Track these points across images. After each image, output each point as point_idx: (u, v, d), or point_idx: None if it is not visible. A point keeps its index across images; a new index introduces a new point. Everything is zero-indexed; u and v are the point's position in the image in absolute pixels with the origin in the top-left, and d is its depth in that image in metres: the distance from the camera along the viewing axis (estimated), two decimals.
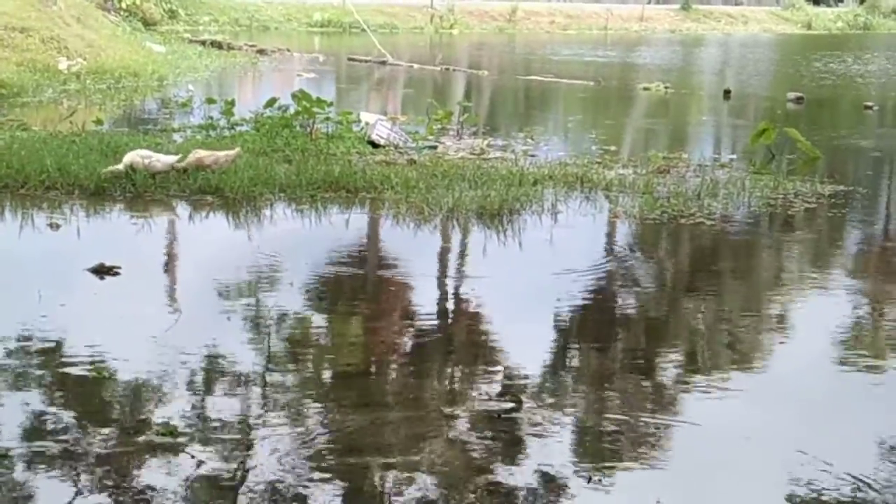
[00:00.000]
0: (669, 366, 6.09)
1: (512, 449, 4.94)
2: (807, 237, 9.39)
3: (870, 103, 19.96)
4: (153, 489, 4.43)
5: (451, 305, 7.37)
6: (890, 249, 9.41)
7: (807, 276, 8.22)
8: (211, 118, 13.51)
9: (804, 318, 7.12)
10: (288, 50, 29.75)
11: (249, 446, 4.83)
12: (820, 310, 7.29)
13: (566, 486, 4.61)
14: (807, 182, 11.16)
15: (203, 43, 29.33)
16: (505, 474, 4.68)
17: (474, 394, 5.60)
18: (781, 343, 6.64)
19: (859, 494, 4.57)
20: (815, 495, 4.56)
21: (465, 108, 15.50)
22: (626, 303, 7.46)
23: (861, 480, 4.66)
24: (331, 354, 6.19)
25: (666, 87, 22.15)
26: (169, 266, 8.03)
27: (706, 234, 9.23)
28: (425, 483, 4.57)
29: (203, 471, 4.60)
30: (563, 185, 10.58)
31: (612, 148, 13.58)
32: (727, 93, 21.60)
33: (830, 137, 15.16)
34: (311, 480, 4.55)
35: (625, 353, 6.41)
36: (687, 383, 5.80)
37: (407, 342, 6.52)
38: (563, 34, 46.50)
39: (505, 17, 49.01)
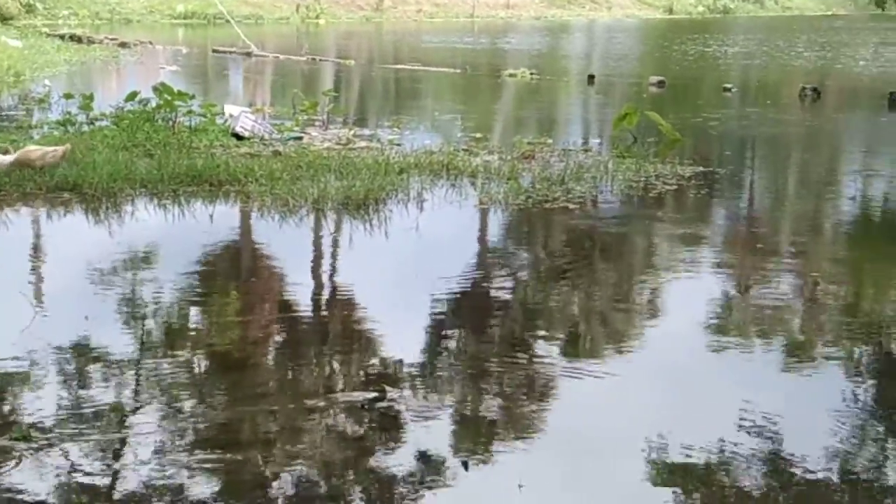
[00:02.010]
0: (536, 350, 6.13)
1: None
2: (668, 217, 9.54)
3: (729, 85, 20.48)
4: (17, 493, 4.31)
5: (315, 297, 7.31)
6: (749, 228, 9.62)
7: (669, 256, 8.35)
8: (69, 113, 13.18)
9: (666, 297, 7.23)
10: (150, 43, 29.24)
11: (110, 446, 4.72)
12: (681, 289, 7.41)
13: (441, 472, 4.62)
14: (668, 164, 11.38)
15: (62, 37, 28.67)
16: (375, 462, 4.67)
17: (339, 385, 5.57)
18: (647, 323, 6.74)
19: (725, 466, 4.68)
20: (680, 467, 4.65)
21: (332, 99, 15.43)
22: (495, 288, 7.49)
23: (726, 452, 4.77)
24: (196, 350, 6.08)
25: (532, 74, 22.34)
26: (22, 266, 7.78)
27: (571, 217, 9.32)
28: (299, 472, 4.54)
29: (64, 473, 4.49)
30: (428, 173, 10.59)
31: (479, 135, 13.63)
32: (591, 78, 21.88)
33: (691, 120, 15.46)
34: (182, 475, 4.46)
35: (490, 338, 6.42)
36: (554, 367, 5.84)
37: (273, 336, 6.44)
38: (430, 23, 46.61)
39: (372, 7, 48.96)
